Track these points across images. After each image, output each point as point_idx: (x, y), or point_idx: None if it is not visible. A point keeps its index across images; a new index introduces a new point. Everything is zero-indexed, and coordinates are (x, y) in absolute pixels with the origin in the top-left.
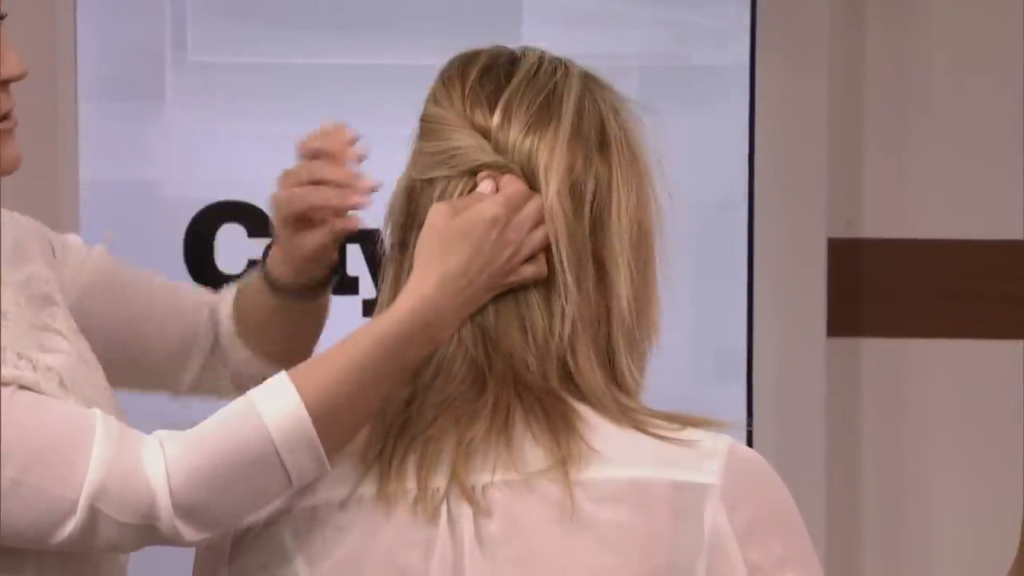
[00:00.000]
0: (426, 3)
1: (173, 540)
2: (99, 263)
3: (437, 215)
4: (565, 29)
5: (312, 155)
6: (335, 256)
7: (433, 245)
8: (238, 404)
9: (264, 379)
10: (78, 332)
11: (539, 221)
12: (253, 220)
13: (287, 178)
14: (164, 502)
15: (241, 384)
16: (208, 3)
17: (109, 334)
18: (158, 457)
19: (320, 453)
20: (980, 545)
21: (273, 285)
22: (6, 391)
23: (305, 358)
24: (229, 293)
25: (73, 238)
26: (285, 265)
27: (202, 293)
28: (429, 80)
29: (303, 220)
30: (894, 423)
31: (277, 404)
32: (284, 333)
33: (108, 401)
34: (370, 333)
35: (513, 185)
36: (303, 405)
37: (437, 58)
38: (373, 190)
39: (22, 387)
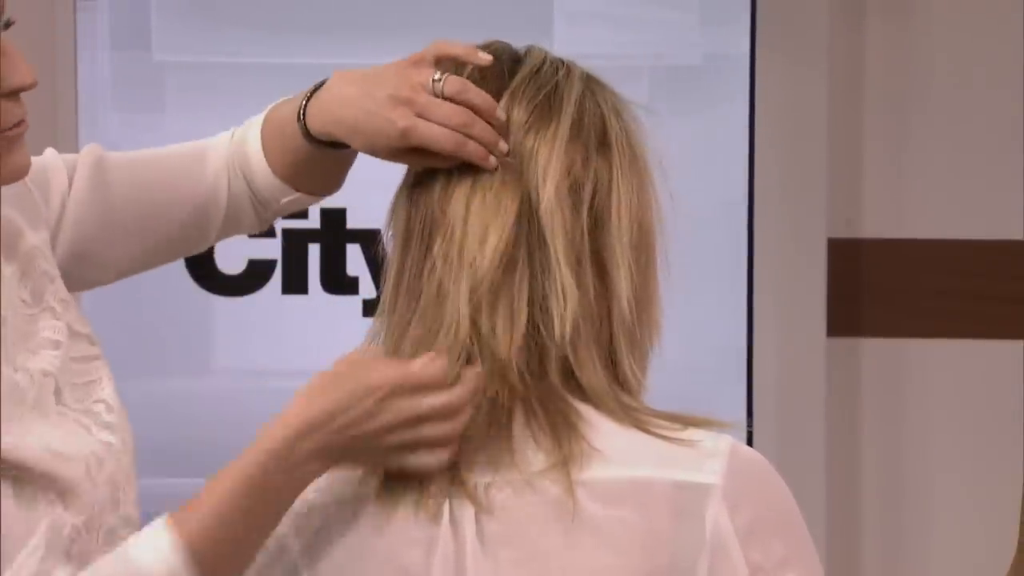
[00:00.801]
0: (456, 6)
1: None
2: (83, 193)
3: (338, 361)
4: (566, 29)
5: (459, 92)
6: None
7: (315, 381)
8: (110, 559)
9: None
10: (69, 302)
11: (453, 413)
12: None
13: (432, 108)
14: None
15: (264, 207)
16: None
17: (121, 250)
18: None
19: None
20: (980, 545)
21: (308, 134)
22: None
23: (330, 190)
24: (253, 125)
25: (53, 171)
26: (325, 121)
27: (205, 148)
28: None
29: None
30: (894, 423)
31: (152, 551)
32: (313, 168)
33: (106, 376)
34: (234, 468)
35: (435, 365)
36: (180, 544)
37: None
38: (507, 154)
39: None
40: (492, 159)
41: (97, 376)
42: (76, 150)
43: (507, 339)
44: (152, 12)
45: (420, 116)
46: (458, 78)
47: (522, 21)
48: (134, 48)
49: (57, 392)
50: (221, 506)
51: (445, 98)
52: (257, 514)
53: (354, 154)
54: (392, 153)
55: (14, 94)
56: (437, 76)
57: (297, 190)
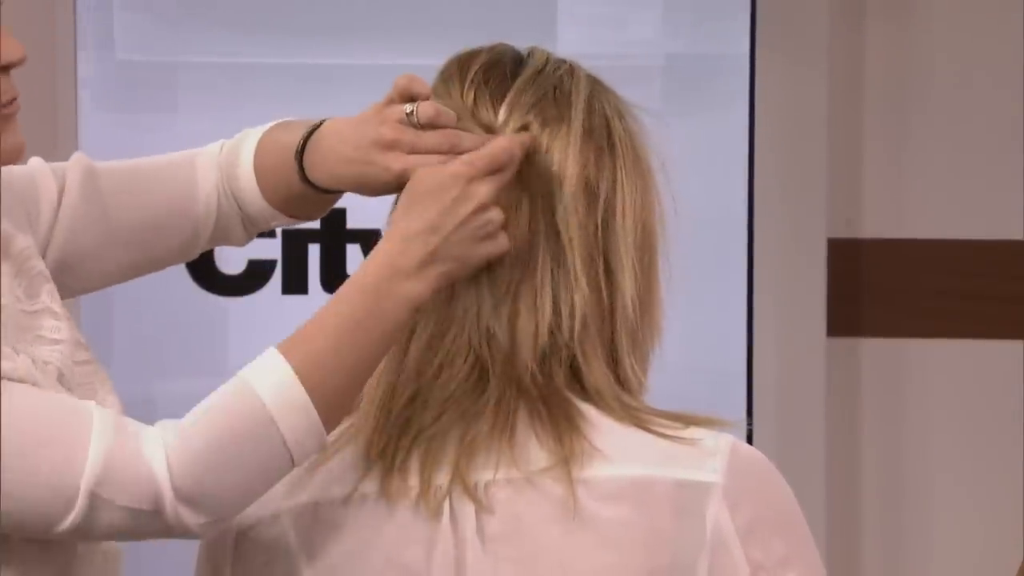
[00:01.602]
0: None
1: (176, 527)
2: (75, 202)
3: (415, 177)
4: (568, 30)
5: (434, 117)
6: None
7: (402, 204)
8: (230, 384)
9: (272, 221)
10: (67, 311)
11: (504, 162)
12: None
13: (418, 142)
14: (166, 487)
15: (253, 225)
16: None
17: (111, 260)
18: (157, 444)
19: (317, 422)
20: (980, 545)
21: (307, 180)
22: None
23: (320, 216)
24: (244, 148)
25: (42, 179)
26: (325, 177)
27: (193, 163)
28: None
29: None
30: (894, 423)
31: (269, 378)
32: (306, 201)
33: (101, 381)
34: (340, 296)
35: (496, 145)
36: (295, 375)
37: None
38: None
39: (16, 380)
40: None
41: (90, 380)
42: (76, 149)
43: (531, 336)
44: (115, 11)
45: (411, 153)
46: (429, 103)
47: (525, 22)
48: (99, 48)
49: (63, 383)
50: (334, 340)
51: (422, 126)
52: (367, 344)
53: None
54: (397, 190)
55: (5, 70)
56: (409, 109)
57: (288, 216)
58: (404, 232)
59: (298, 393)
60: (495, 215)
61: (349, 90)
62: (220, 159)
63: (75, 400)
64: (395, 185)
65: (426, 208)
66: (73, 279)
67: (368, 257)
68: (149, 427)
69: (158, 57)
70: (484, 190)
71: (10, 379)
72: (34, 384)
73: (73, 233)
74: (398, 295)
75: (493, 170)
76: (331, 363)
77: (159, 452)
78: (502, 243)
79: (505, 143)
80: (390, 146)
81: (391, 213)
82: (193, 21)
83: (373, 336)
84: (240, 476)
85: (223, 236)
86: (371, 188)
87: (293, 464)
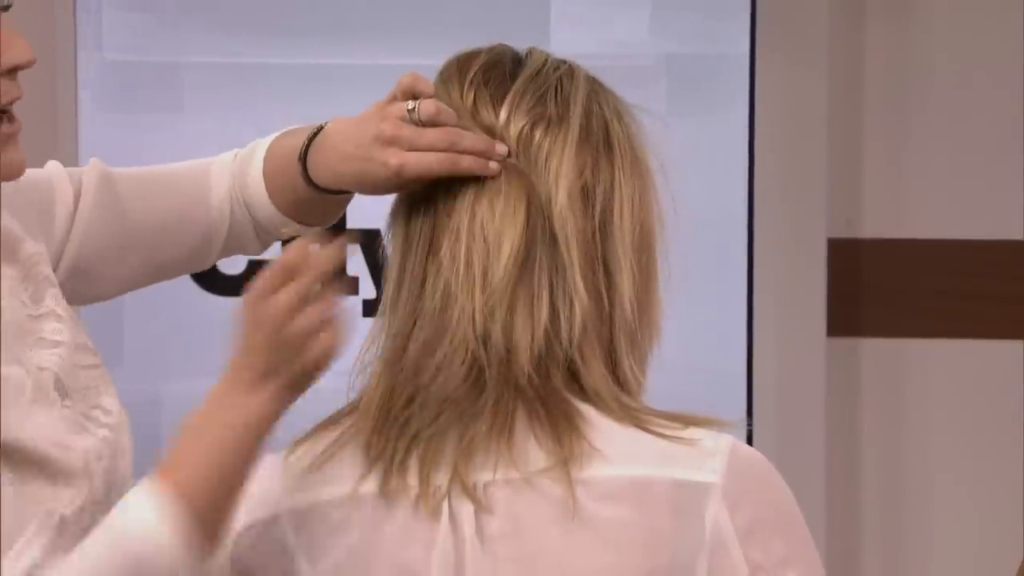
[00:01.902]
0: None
1: None
2: (92, 208)
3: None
4: (562, 29)
5: (435, 115)
6: None
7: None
8: (110, 523)
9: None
10: (73, 315)
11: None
12: None
13: (417, 138)
14: None
15: (266, 233)
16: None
17: (126, 267)
18: None
19: (204, 557)
20: (980, 545)
21: (310, 181)
22: None
23: (330, 222)
24: (255, 156)
25: (59, 184)
26: (327, 175)
27: (208, 171)
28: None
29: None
30: (894, 423)
31: (149, 514)
32: (314, 206)
33: (105, 384)
34: (193, 423)
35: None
36: (176, 508)
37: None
38: (508, 155)
39: None
40: (492, 165)
41: (95, 384)
42: (76, 150)
43: (527, 339)
44: (114, 11)
45: (410, 149)
46: (431, 101)
47: (524, 21)
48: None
49: (60, 388)
50: (205, 469)
51: (423, 124)
52: (233, 461)
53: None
54: (396, 188)
55: (11, 72)
56: (411, 105)
57: (299, 222)
58: (233, 362)
59: (180, 525)
60: (304, 322)
61: (349, 90)
62: (233, 167)
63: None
64: (394, 182)
65: (243, 336)
66: (87, 285)
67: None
68: None
69: (158, 57)
70: (280, 303)
71: None
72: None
73: (88, 237)
74: (239, 421)
75: (283, 282)
76: (205, 485)
77: None
78: (328, 346)
79: (290, 253)
80: (390, 142)
81: (390, 215)
82: (193, 21)
83: (237, 457)
84: None
85: (238, 245)
86: (371, 184)
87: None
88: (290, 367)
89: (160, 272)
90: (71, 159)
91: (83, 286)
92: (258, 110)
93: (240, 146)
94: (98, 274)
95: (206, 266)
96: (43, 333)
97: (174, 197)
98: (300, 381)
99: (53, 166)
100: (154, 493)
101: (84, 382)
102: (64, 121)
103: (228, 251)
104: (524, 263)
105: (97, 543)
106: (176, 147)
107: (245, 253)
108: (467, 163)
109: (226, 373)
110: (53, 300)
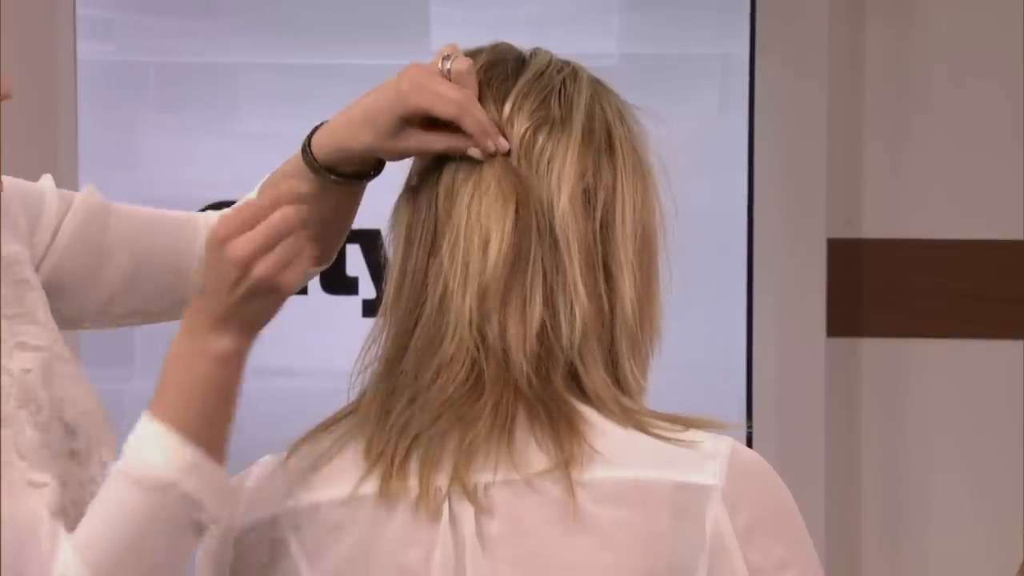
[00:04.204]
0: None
1: None
2: (74, 231)
3: None
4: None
5: (466, 72)
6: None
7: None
8: (110, 480)
9: None
10: (52, 321)
11: (287, 231)
12: None
13: (437, 80)
14: None
15: None
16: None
17: (91, 303)
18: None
19: (214, 466)
20: (980, 545)
21: (314, 167)
22: None
23: (335, 247)
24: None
25: (50, 199)
26: (334, 150)
27: (195, 217)
28: None
29: (423, 123)
30: (894, 423)
31: (152, 447)
32: (322, 219)
33: (85, 393)
34: (165, 365)
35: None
36: (175, 434)
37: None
38: (508, 154)
39: None
40: (490, 144)
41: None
42: (76, 150)
43: (520, 341)
44: (113, 11)
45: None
46: (468, 61)
47: (522, 20)
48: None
49: (49, 387)
50: (183, 400)
51: (451, 78)
52: (210, 398)
53: (351, 217)
54: (393, 132)
55: None
56: (447, 52)
57: None
58: (194, 301)
59: (184, 449)
60: (259, 271)
61: (349, 90)
62: (222, 212)
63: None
64: (395, 108)
65: (203, 277)
66: (62, 305)
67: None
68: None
69: (158, 57)
70: (236, 253)
71: None
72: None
73: (62, 260)
74: (204, 353)
75: (244, 229)
76: (193, 421)
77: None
78: (284, 289)
79: (262, 200)
80: (409, 75)
81: (391, 215)
82: (192, 21)
83: (211, 394)
84: (156, 559)
85: None
86: (368, 117)
87: (213, 517)
88: (245, 311)
89: (128, 314)
90: (71, 159)
91: (59, 304)
92: (259, 110)
93: (239, 146)
94: (68, 298)
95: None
96: (23, 336)
97: (158, 244)
98: (256, 322)
99: (47, 181)
100: (151, 430)
101: (65, 390)
102: (64, 121)
103: None
104: (514, 264)
105: (112, 491)
106: (176, 147)
107: None
108: (471, 120)
109: (189, 312)
110: (33, 304)
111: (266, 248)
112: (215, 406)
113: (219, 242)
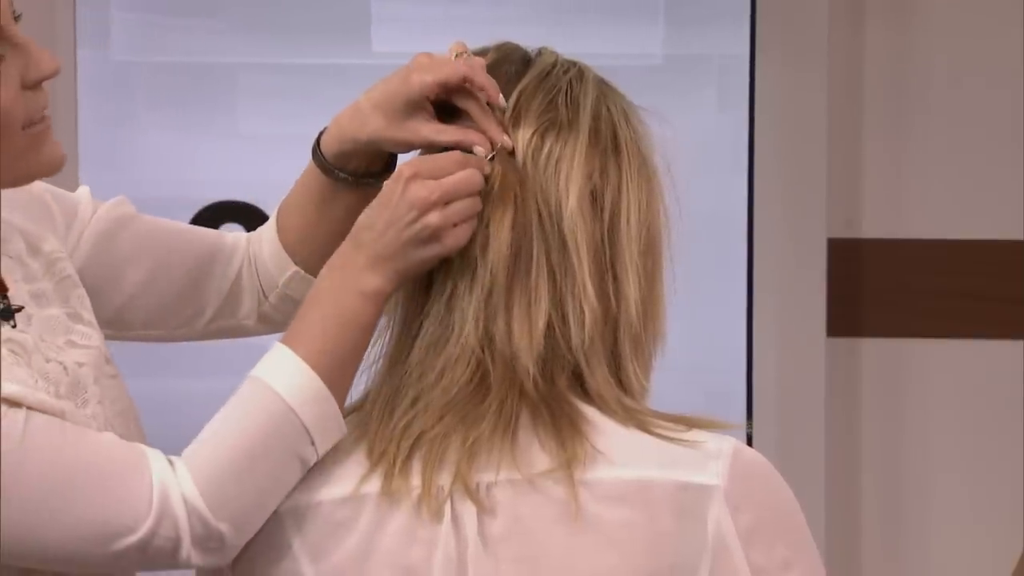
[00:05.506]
0: None
1: (219, 549)
2: (89, 241)
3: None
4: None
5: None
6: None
7: (363, 211)
8: (244, 386)
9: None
10: (95, 320)
11: (468, 191)
12: (253, 220)
13: (445, 61)
14: (199, 517)
15: (268, 321)
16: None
17: (107, 309)
18: (184, 475)
19: (335, 407)
20: (980, 545)
21: (324, 166)
22: (15, 414)
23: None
24: (268, 223)
25: (84, 207)
26: (341, 142)
27: (220, 236)
28: None
29: (431, 114)
30: (894, 423)
31: (283, 371)
32: (332, 228)
33: (121, 394)
34: (313, 296)
35: (449, 157)
36: (307, 365)
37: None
38: (512, 154)
39: (33, 408)
40: (496, 140)
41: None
42: (76, 150)
43: (525, 340)
44: (113, 11)
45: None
46: (480, 60)
47: (528, 20)
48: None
49: (98, 383)
50: (321, 331)
51: None
52: (350, 335)
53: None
54: (400, 118)
55: (38, 84)
56: (459, 51)
57: (297, 263)
58: (355, 236)
59: (315, 383)
60: (433, 219)
61: (349, 90)
62: (250, 233)
63: (111, 436)
64: (401, 87)
65: (372, 213)
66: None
67: (332, 256)
68: (168, 462)
69: (157, 57)
70: (419, 193)
71: (22, 408)
72: (48, 409)
73: (84, 265)
74: (354, 289)
75: (431, 176)
76: (328, 355)
77: (188, 484)
78: (447, 245)
79: (452, 155)
80: (419, 61)
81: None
82: (192, 21)
83: (352, 330)
84: (267, 481)
85: (230, 310)
86: (376, 102)
87: (316, 455)
88: (404, 255)
89: (140, 325)
90: (71, 159)
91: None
92: (260, 110)
93: (238, 146)
94: (99, 294)
95: (193, 338)
96: (72, 335)
97: (180, 249)
98: (409, 270)
99: (83, 189)
100: (285, 357)
101: (111, 393)
102: (64, 121)
103: (221, 317)
104: (515, 266)
105: (233, 411)
106: (176, 147)
107: (238, 321)
108: (475, 100)
109: (342, 249)
110: (79, 302)
111: (446, 199)
112: (352, 344)
113: (405, 180)
